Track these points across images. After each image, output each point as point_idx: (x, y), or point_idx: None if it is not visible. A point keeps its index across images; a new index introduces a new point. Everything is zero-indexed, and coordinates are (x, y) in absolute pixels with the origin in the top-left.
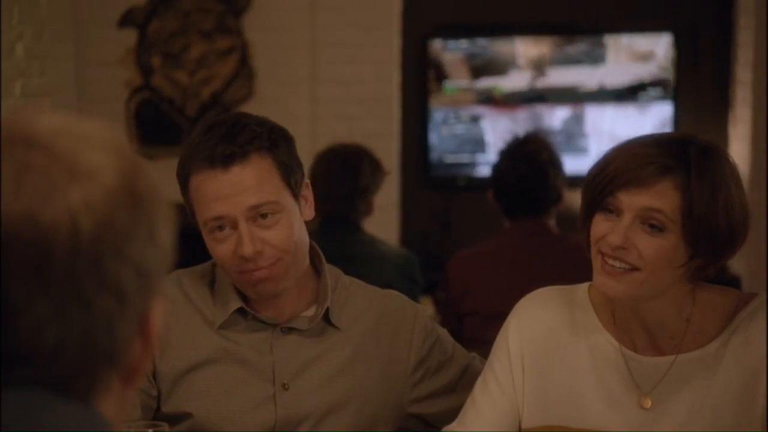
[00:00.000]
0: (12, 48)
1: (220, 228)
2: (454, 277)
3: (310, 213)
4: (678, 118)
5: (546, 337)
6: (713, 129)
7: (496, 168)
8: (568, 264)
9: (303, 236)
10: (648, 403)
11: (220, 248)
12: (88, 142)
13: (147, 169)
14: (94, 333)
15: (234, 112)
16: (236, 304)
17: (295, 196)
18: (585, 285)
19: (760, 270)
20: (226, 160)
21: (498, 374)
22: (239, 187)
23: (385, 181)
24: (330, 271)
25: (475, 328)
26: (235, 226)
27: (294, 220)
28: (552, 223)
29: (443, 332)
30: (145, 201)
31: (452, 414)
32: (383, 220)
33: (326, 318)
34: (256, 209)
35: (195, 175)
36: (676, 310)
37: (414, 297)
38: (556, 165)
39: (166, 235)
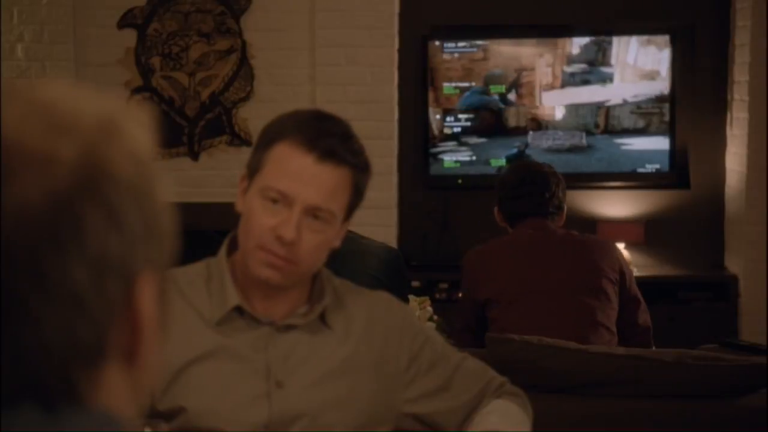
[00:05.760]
0: (12, 48)
1: (275, 201)
2: (470, 270)
3: (338, 242)
4: (675, 119)
5: None
6: (710, 129)
7: (501, 177)
8: (575, 251)
9: (324, 257)
10: None
11: (263, 217)
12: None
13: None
14: (50, 344)
15: (341, 117)
16: (235, 300)
17: (345, 218)
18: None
19: (759, 270)
20: (325, 155)
21: None
22: (319, 182)
23: (383, 181)
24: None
25: (496, 315)
26: (289, 206)
27: (330, 239)
28: (554, 226)
29: (433, 332)
30: (104, 181)
31: (447, 413)
32: (382, 220)
33: (321, 318)
34: (317, 210)
35: (288, 145)
36: None
37: (401, 292)
38: (557, 176)
39: (136, 214)
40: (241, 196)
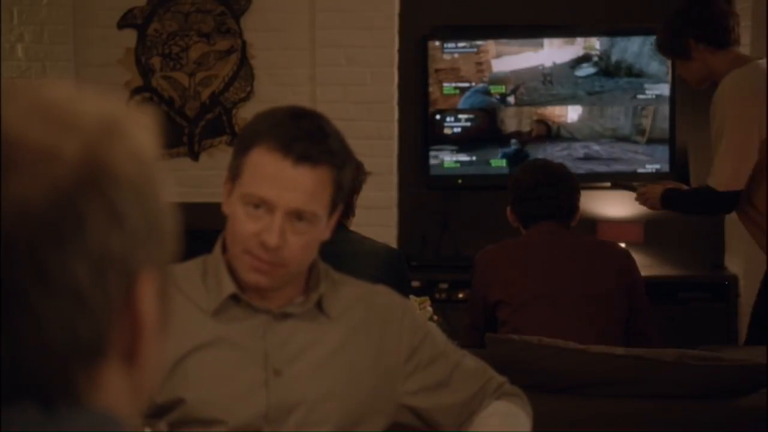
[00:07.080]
0: (12, 49)
1: (256, 206)
2: (482, 270)
3: (327, 234)
4: (675, 118)
5: None
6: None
7: (514, 178)
8: (588, 257)
9: (315, 252)
10: None
11: (246, 223)
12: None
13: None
14: (50, 341)
15: (317, 112)
16: (231, 288)
17: (330, 214)
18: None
19: (758, 270)
20: (300, 158)
21: None
22: (297, 186)
23: (383, 181)
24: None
25: (506, 317)
26: (271, 212)
27: (317, 236)
28: (567, 229)
29: (434, 328)
30: (106, 179)
31: (446, 410)
32: (382, 220)
33: (319, 307)
34: (298, 213)
35: (264, 150)
36: None
37: (403, 292)
38: (572, 178)
39: (137, 213)
40: (226, 199)
